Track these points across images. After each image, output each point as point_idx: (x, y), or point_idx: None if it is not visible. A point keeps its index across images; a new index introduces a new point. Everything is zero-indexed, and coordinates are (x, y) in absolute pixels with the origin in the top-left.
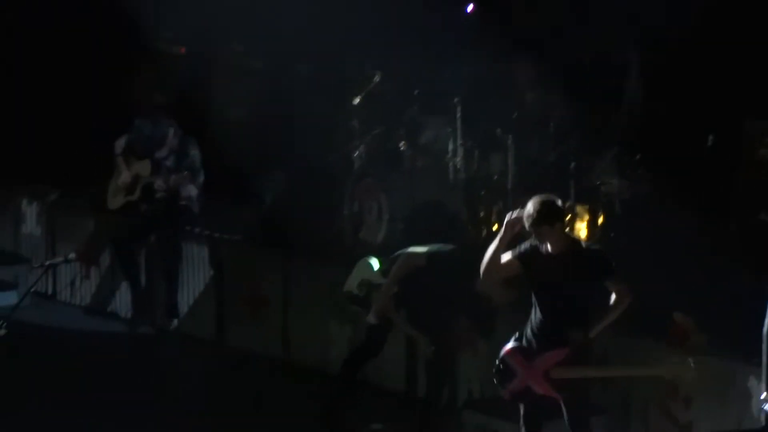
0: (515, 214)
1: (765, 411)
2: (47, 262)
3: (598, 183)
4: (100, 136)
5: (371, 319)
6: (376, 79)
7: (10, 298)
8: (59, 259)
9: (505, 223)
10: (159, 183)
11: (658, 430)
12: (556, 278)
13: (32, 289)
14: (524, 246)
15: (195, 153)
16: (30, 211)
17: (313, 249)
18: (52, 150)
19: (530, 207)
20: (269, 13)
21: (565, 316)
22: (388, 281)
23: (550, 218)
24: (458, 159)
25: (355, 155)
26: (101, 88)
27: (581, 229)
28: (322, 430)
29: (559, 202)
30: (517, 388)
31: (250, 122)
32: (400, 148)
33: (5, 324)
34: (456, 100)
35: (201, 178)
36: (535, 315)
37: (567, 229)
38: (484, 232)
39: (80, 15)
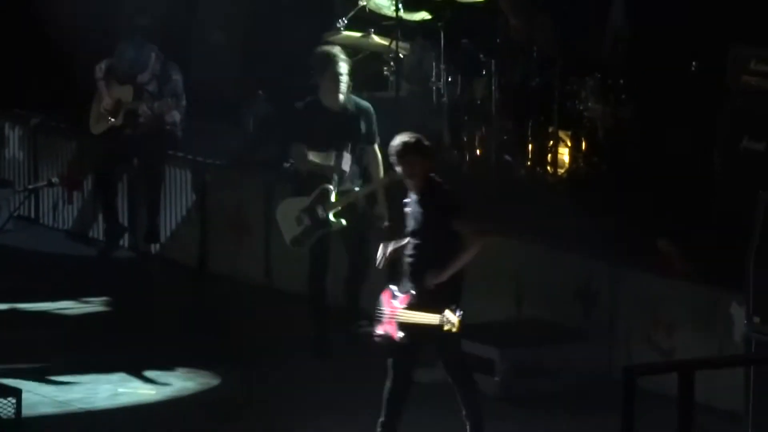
0: (391, 246)
1: (747, 336)
2: (30, 186)
3: (581, 108)
4: (81, 59)
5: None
6: (362, 2)
7: None
8: (42, 183)
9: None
10: (142, 108)
11: (641, 358)
12: (413, 221)
13: (14, 213)
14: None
15: (177, 77)
16: (12, 134)
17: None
18: (35, 73)
19: (400, 138)
20: None
21: (417, 260)
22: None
23: (420, 151)
24: (441, 84)
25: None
26: (82, 10)
27: (564, 155)
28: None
29: (426, 140)
30: (381, 330)
31: (234, 45)
32: (384, 72)
33: None
34: (440, 24)
35: (183, 103)
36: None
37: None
38: (467, 157)
39: None
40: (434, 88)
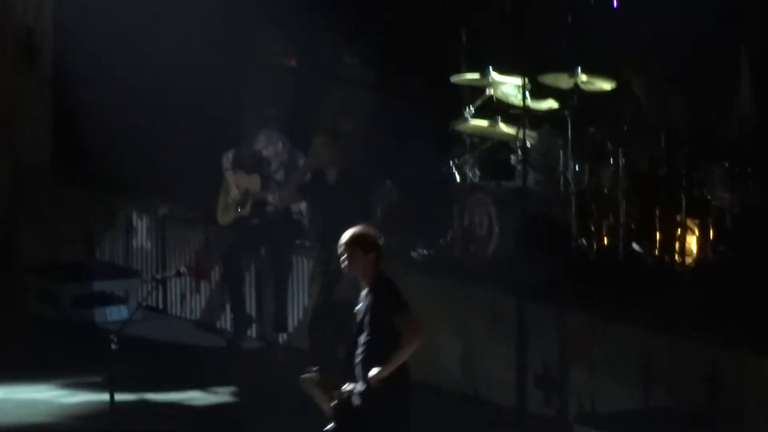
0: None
1: None
2: (158, 276)
3: (708, 197)
4: (209, 149)
5: None
6: (489, 92)
7: (120, 312)
8: (170, 272)
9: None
10: (270, 197)
11: None
12: (360, 315)
13: (143, 303)
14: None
15: None
16: (140, 224)
17: (423, 261)
18: (162, 163)
19: (348, 232)
20: (382, 25)
21: (362, 354)
22: None
23: (366, 245)
24: (568, 172)
25: (466, 168)
26: (209, 100)
27: (692, 243)
28: None
29: (377, 237)
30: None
31: (361, 134)
32: (510, 160)
33: (116, 338)
34: (566, 113)
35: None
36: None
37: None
38: (595, 246)
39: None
40: (561, 176)
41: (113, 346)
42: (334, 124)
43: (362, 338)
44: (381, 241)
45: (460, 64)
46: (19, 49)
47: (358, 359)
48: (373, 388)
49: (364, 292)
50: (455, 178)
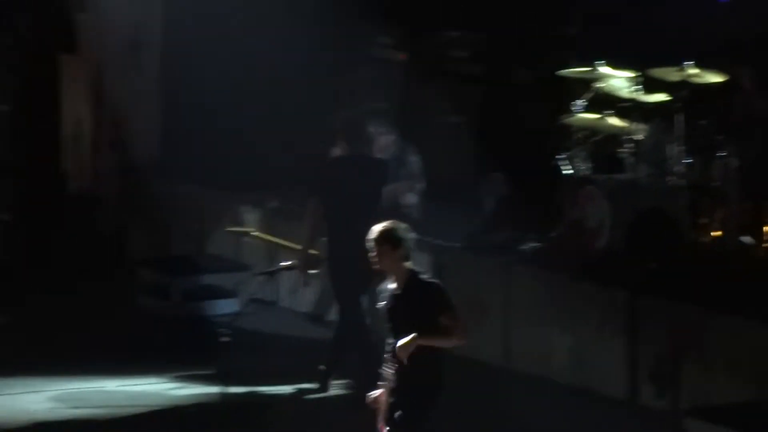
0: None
1: None
2: (268, 269)
3: None
4: (318, 142)
5: None
6: (598, 85)
7: (231, 306)
8: (280, 266)
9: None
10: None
11: None
12: (397, 314)
13: (253, 296)
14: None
15: (414, 160)
16: (250, 218)
17: (534, 255)
18: (271, 157)
19: (376, 227)
20: (492, 18)
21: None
22: None
23: (390, 240)
24: (679, 165)
25: (576, 161)
26: (317, 94)
27: None
28: None
29: (406, 231)
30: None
31: (471, 127)
32: (621, 153)
33: (227, 331)
34: (677, 106)
35: (420, 185)
36: None
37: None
38: (705, 239)
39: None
40: (672, 169)
41: (224, 339)
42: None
43: (397, 336)
44: (410, 236)
45: (569, 57)
46: (126, 44)
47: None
48: (401, 360)
49: (391, 288)
50: (565, 171)
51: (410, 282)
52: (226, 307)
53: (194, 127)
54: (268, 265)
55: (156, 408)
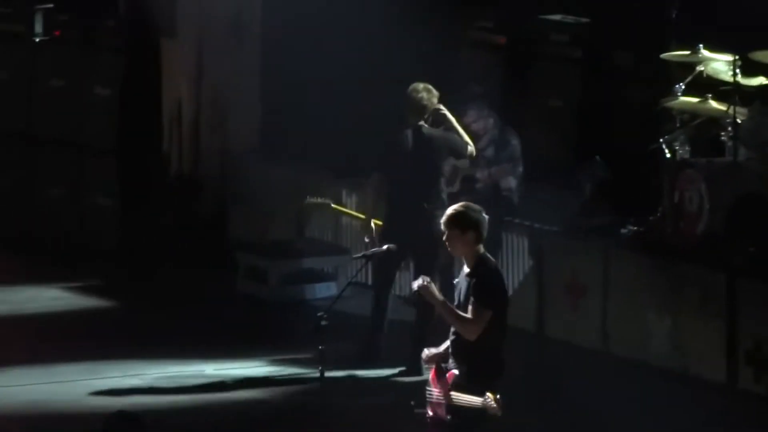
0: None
1: None
2: (367, 253)
3: None
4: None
5: None
6: (699, 68)
7: (330, 289)
8: (378, 249)
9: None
10: (479, 174)
11: None
12: (458, 296)
13: (352, 280)
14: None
15: (515, 143)
16: (350, 202)
17: (633, 238)
18: (370, 140)
19: (449, 210)
20: (591, 1)
21: (460, 338)
22: None
23: (459, 224)
24: None
25: (676, 144)
26: (415, 78)
27: None
28: None
29: (479, 212)
30: (431, 411)
31: (570, 111)
32: (721, 137)
33: (326, 315)
34: None
35: (520, 168)
36: None
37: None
38: None
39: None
40: None
41: (323, 323)
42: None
43: None
44: (483, 219)
45: (670, 40)
46: (227, 26)
47: (453, 342)
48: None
49: (464, 271)
50: (665, 154)
51: (477, 267)
52: (324, 290)
53: (295, 110)
54: (367, 248)
55: (256, 392)
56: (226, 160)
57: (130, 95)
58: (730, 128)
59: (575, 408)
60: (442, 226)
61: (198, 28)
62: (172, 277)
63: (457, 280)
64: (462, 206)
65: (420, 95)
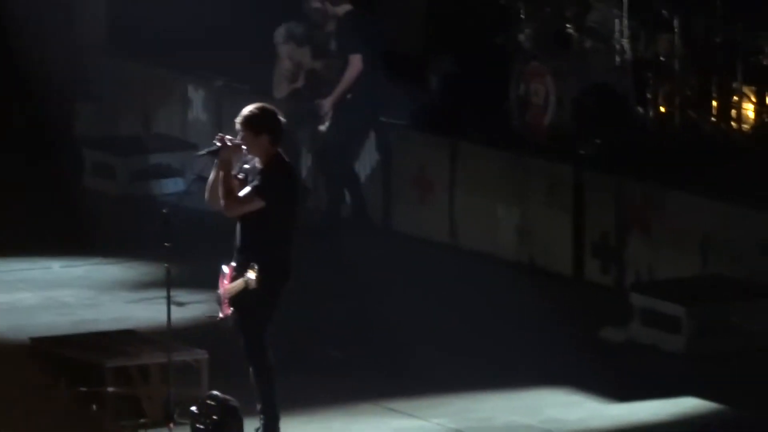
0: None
1: None
2: (213, 149)
3: (766, 63)
4: (262, 18)
5: None
6: None
7: (177, 185)
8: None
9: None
10: (321, 67)
11: None
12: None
13: (198, 175)
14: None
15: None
16: (196, 97)
17: (479, 132)
18: (218, 36)
19: (244, 110)
20: None
21: (243, 233)
22: None
23: (253, 127)
24: (625, 40)
25: (522, 38)
26: None
27: (749, 110)
28: None
29: (274, 115)
30: (221, 314)
31: (416, 4)
32: (567, 29)
33: (169, 210)
34: None
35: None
36: None
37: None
38: (651, 114)
39: None
40: (618, 45)
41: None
42: None
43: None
44: (278, 121)
45: None
46: None
47: (238, 237)
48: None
49: (255, 167)
50: (511, 47)
51: (269, 164)
52: (172, 185)
53: (142, 4)
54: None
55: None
56: (74, 57)
57: None
58: (575, 20)
59: (424, 301)
60: (238, 126)
61: None
62: (19, 173)
63: (248, 166)
64: (257, 108)
65: None
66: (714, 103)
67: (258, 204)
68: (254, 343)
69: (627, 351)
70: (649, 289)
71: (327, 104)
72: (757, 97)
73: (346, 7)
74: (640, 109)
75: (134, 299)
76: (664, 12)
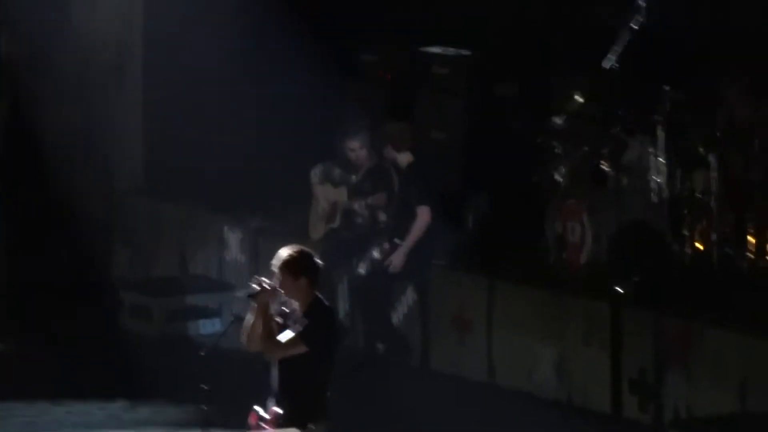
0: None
1: None
2: (252, 291)
3: None
4: (299, 160)
5: None
6: (579, 98)
7: (214, 326)
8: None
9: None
10: (357, 206)
11: None
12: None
13: (236, 316)
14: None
15: (392, 174)
16: (233, 237)
17: (516, 270)
18: (254, 178)
19: (281, 252)
20: (472, 35)
21: (285, 377)
22: None
23: (290, 269)
24: (661, 178)
25: (558, 175)
26: (300, 114)
27: None
28: None
29: (311, 258)
30: None
31: (453, 144)
32: (601, 166)
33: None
34: (658, 118)
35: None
36: None
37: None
38: (688, 250)
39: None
40: (654, 182)
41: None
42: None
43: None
44: (316, 263)
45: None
46: (108, 66)
47: (279, 381)
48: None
49: (296, 312)
50: (547, 185)
51: (311, 309)
52: (209, 327)
53: (178, 147)
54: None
55: None
56: (111, 200)
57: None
58: (611, 157)
59: None
60: (275, 269)
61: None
62: (57, 315)
63: (287, 310)
64: (295, 251)
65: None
66: (751, 239)
67: (300, 349)
68: None
69: None
70: (688, 426)
71: (398, 260)
72: None
73: (408, 156)
74: (677, 246)
75: None
76: (700, 149)
